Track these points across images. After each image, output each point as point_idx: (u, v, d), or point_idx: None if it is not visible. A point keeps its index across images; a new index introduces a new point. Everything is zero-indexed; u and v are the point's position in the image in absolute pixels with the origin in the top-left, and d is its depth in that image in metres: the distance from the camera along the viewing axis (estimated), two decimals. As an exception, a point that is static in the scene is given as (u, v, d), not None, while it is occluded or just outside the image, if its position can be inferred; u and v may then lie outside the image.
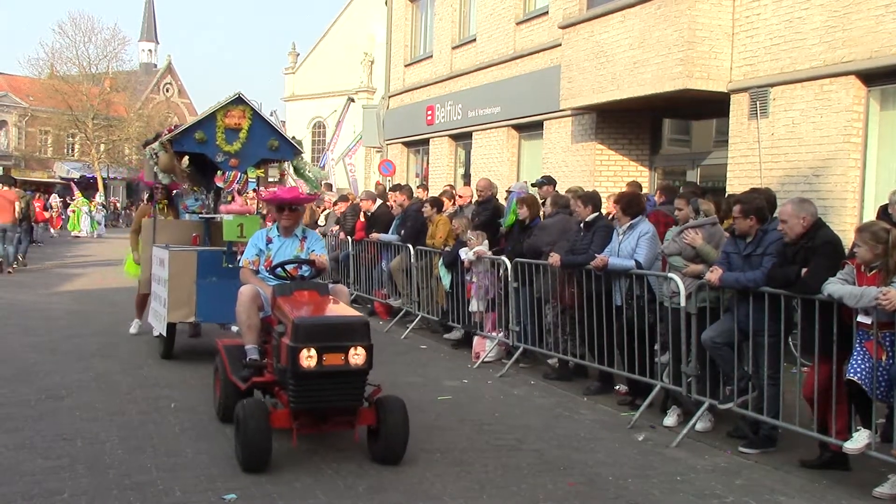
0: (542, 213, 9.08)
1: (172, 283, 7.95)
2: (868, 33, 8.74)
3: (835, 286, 5.11)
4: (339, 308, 5.53)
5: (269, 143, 8.48)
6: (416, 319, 10.68)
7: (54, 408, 6.45)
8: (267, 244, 6.29)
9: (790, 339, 6.39)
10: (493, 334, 9.05)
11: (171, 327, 8.23)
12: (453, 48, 18.19)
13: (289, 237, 6.32)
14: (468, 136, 17.48)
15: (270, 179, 9.28)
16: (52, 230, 31.52)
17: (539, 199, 9.43)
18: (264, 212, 9.57)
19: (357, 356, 4.96)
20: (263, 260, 6.23)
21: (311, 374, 4.92)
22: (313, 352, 4.89)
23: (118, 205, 50.97)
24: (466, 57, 17.55)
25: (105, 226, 33.96)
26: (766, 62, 10.00)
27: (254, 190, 9.09)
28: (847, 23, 8.97)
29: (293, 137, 9.02)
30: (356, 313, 5.52)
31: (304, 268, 6.06)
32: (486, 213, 9.91)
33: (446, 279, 9.71)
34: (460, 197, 11.27)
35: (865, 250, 5.04)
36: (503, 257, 8.68)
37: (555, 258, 7.66)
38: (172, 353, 8.50)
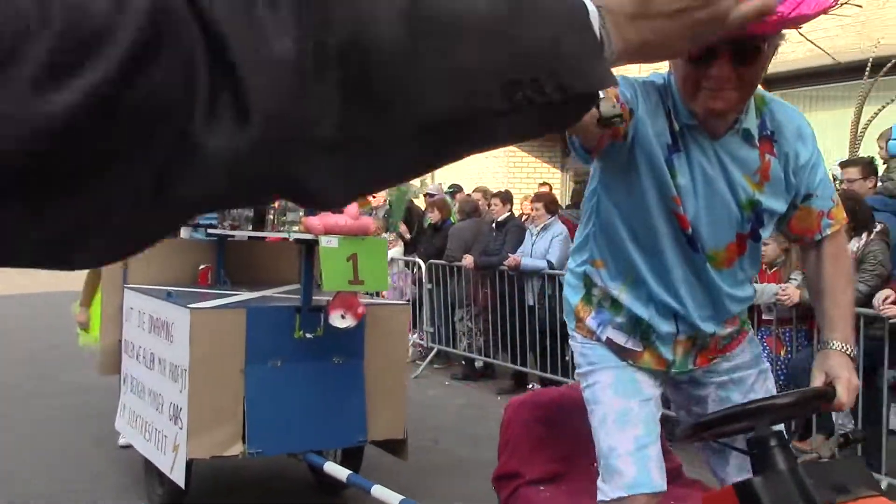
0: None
1: (196, 376, 3.66)
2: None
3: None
4: None
5: None
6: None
7: None
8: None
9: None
10: (409, 336, 9.00)
11: (191, 466, 3.78)
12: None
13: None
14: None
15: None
16: None
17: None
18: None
19: None
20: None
21: None
22: None
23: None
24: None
25: None
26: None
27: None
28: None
29: None
30: None
31: None
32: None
33: (360, 281, 9.58)
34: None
35: (773, 248, 5.19)
36: (418, 259, 8.65)
37: (469, 259, 7.68)
38: None
